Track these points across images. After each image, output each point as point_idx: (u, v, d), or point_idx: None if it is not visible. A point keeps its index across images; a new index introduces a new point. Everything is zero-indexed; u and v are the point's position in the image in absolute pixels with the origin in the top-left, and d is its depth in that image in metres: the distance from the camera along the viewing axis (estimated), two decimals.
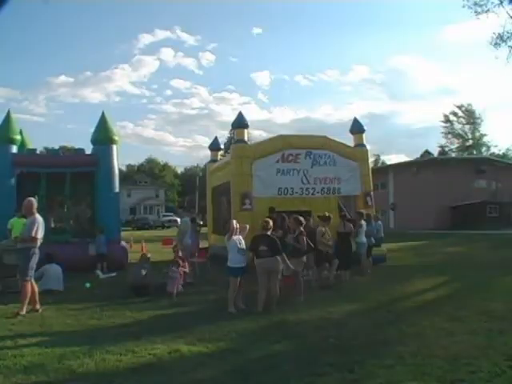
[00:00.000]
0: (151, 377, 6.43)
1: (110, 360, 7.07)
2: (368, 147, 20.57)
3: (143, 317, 10.22)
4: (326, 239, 13.70)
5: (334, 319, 9.81)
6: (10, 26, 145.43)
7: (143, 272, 12.92)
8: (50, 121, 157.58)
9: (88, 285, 12.57)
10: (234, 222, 11.53)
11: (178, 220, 15.16)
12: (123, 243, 18.84)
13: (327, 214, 14.41)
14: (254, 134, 53.90)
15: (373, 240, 16.94)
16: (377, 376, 6.35)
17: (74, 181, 18.93)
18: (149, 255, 14.16)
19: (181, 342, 7.98)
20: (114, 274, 16.34)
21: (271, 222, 11.34)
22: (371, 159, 22.30)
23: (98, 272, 16.37)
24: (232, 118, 19.97)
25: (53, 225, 19.97)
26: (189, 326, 9.21)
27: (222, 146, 28.53)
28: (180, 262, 13.43)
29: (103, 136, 19.43)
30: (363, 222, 16.15)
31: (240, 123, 19.26)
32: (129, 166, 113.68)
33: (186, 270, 13.56)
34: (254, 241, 11.06)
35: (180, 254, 13.84)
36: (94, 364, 6.92)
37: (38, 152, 21.01)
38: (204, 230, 22.89)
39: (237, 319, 9.83)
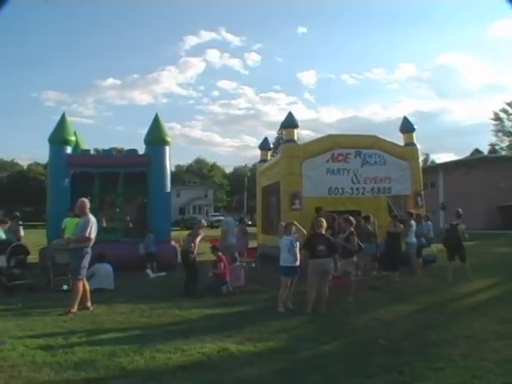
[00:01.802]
0: (200, 375, 6.44)
1: (160, 358, 7.13)
2: (418, 146, 20.31)
3: (192, 316, 10.27)
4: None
5: (383, 320, 9.72)
6: (58, 30, 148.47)
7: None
8: (99, 123, 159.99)
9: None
10: (284, 223, 11.51)
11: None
12: (173, 243, 18.96)
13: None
14: (301, 134, 53.88)
15: (423, 240, 16.76)
16: (426, 378, 6.28)
17: (126, 181, 19.14)
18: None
19: (229, 341, 8.01)
20: (163, 274, 16.50)
21: (325, 222, 11.29)
22: (420, 158, 21.95)
23: (148, 271, 16.52)
24: (279, 118, 20.14)
25: (104, 224, 20.22)
26: (238, 325, 9.23)
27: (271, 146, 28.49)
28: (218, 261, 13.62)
29: (156, 137, 19.61)
30: (413, 222, 15.99)
31: (290, 123, 19.25)
32: (177, 167, 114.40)
33: (221, 270, 13.58)
34: (311, 240, 10.95)
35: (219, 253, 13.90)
36: (144, 362, 6.98)
37: (91, 153, 21.33)
38: (253, 229, 22.96)
39: (286, 319, 9.83)
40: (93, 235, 10.56)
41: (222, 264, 13.54)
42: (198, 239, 13.14)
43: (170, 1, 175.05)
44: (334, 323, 9.53)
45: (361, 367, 6.71)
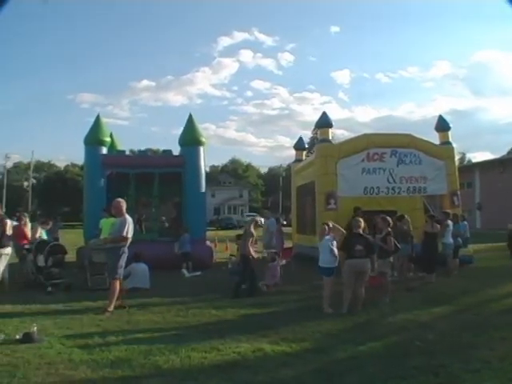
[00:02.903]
0: (235, 375, 6.45)
1: (195, 357, 7.15)
2: (453, 145, 20.09)
3: (228, 315, 10.29)
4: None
5: (419, 321, 9.64)
6: (92, 32, 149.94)
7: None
8: (134, 124, 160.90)
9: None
10: (330, 224, 11.45)
11: (262, 220, 15.20)
12: (208, 243, 19.02)
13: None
14: (336, 134, 53.78)
15: (460, 241, 16.60)
16: (462, 380, 6.22)
17: (161, 181, 19.24)
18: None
19: (265, 341, 8.00)
20: (198, 273, 16.55)
21: (363, 222, 11.22)
22: (456, 157, 21.70)
23: (184, 271, 16.58)
24: (313, 117, 20.14)
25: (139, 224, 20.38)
26: (273, 326, 9.21)
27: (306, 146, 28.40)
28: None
29: (190, 138, 19.69)
30: (450, 222, 15.83)
31: (324, 123, 19.21)
32: (212, 167, 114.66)
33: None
34: (348, 240, 10.91)
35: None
36: (180, 361, 7.02)
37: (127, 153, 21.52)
38: (288, 229, 22.93)
39: (321, 319, 9.78)
40: (130, 235, 10.66)
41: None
42: (251, 240, 13.04)
43: (203, 2, 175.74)
44: (369, 324, 9.50)
45: (396, 368, 6.67)
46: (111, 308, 10.38)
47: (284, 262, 14.99)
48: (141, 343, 7.88)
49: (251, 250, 12.70)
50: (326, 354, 7.46)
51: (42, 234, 15.13)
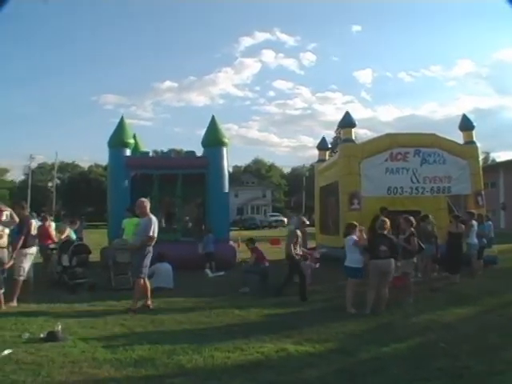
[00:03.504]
0: (259, 375, 6.46)
1: (219, 357, 7.17)
2: (477, 144, 19.93)
3: (251, 315, 10.31)
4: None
5: (443, 322, 9.58)
6: (114, 33, 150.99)
7: None
8: (157, 125, 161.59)
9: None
10: (358, 225, 11.39)
11: (285, 220, 14.90)
12: (231, 243, 19.04)
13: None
14: (358, 133, 53.73)
15: (484, 241, 16.46)
16: (487, 382, 6.20)
17: (185, 182, 19.30)
18: None
19: (288, 342, 8.00)
20: (222, 273, 16.58)
21: (389, 222, 11.15)
22: (480, 157, 21.52)
23: (207, 271, 16.62)
24: (336, 117, 20.10)
25: (163, 225, 20.45)
26: (296, 326, 9.21)
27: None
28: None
29: (213, 139, 19.70)
30: (474, 223, 15.70)
31: (347, 122, 19.21)
32: (235, 167, 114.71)
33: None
34: (373, 241, 10.88)
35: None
36: (203, 360, 7.04)
37: (150, 155, 21.62)
38: (311, 229, 22.86)
39: (344, 320, 9.76)
40: (155, 234, 10.72)
41: (255, 256, 14.08)
42: (296, 241, 12.94)
43: (224, 3, 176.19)
44: (393, 324, 9.44)
45: (421, 370, 6.64)
46: (135, 307, 10.45)
47: (317, 265, 14.88)
48: (164, 342, 7.91)
49: (295, 250, 12.58)
50: (350, 354, 7.44)
51: (70, 233, 15.31)
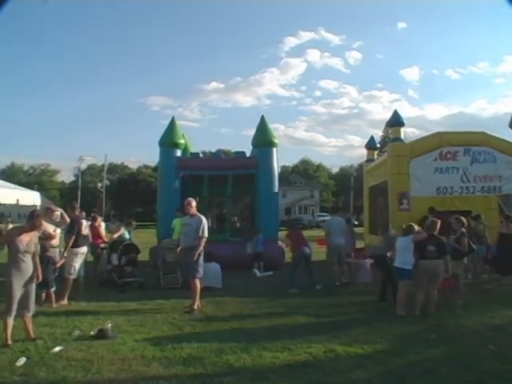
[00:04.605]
0: (307, 375, 6.43)
1: (267, 356, 7.17)
2: None
3: (299, 315, 10.27)
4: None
5: (493, 324, 9.40)
6: (161, 36, 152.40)
7: None
8: (204, 126, 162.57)
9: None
10: (416, 226, 11.23)
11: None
12: (280, 243, 19.03)
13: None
14: (406, 132, 53.13)
15: None
16: None
17: (234, 182, 19.41)
18: None
19: (336, 343, 7.94)
20: (270, 273, 16.59)
21: (438, 222, 10.99)
22: None
23: (255, 271, 16.66)
24: (383, 116, 19.96)
25: (211, 225, 20.55)
26: (344, 327, 9.15)
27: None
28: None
29: (263, 139, 19.78)
30: None
31: (396, 121, 19.03)
32: (283, 167, 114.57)
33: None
34: (421, 241, 10.66)
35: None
36: (251, 360, 7.05)
37: (200, 156, 21.78)
38: (360, 230, 22.73)
39: (393, 321, 9.67)
40: (206, 234, 10.79)
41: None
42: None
43: (268, 3, 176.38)
44: (442, 326, 9.27)
45: (469, 373, 6.52)
46: (195, 306, 10.52)
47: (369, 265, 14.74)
48: (213, 341, 7.95)
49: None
50: (399, 356, 7.38)
51: (124, 233, 15.61)
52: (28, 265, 7.74)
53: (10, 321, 7.53)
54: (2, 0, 3.35)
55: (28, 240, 7.78)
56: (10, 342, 7.50)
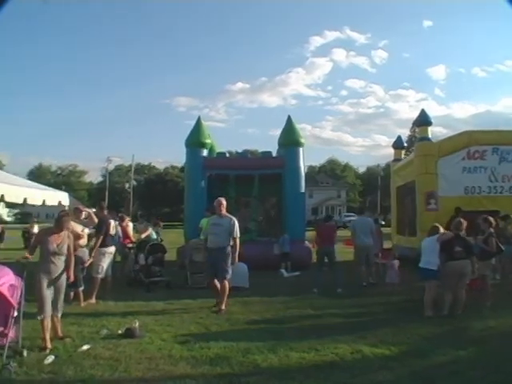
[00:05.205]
0: (333, 376, 6.41)
1: (293, 357, 7.17)
2: None
3: (326, 315, 10.27)
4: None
5: None
6: (187, 38, 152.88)
7: None
8: (230, 126, 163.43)
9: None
10: (440, 227, 11.14)
11: None
12: (307, 243, 18.99)
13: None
14: (433, 131, 52.44)
15: None
16: None
17: (260, 182, 19.46)
18: None
19: (363, 343, 7.92)
20: (297, 273, 16.56)
21: (465, 223, 10.90)
22: None
23: (282, 271, 16.65)
24: (409, 115, 19.86)
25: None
26: (371, 327, 9.12)
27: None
28: None
29: (290, 139, 19.79)
30: None
31: (423, 120, 18.94)
32: (309, 167, 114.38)
33: None
34: (448, 241, 10.59)
35: None
36: (278, 360, 7.05)
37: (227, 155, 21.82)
38: (387, 230, 22.62)
39: (420, 322, 9.62)
40: (238, 235, 10.84)
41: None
42: None
43: (293, 3, 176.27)
44: (470, 328, 9.21)
45: (497, 375, 6.48)
46: (223, 306, 10.57)
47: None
48: (240, 341, 7.97)
49: None
50: (426, 357, 7.33)
51: (152, 233, 15.77)
52: (57, 266, 7.76)
53: (46, 322, 7.54)
54: (2, 0, 3.37)
55: (59, 241, 7.80)
56: (49, 345, 7.46)
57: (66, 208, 12.38)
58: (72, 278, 8.14)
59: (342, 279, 13.49)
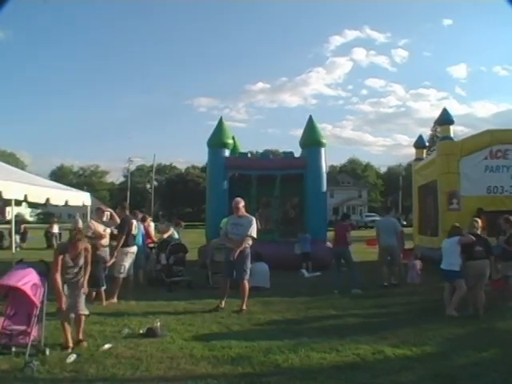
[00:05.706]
0: (354, 376, 6.39)
1: (314, 357, 7.16)
2: None
3: (347, 316, 10.24)
4: None
5: None
6: (208, 39, 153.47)
7: None
8: (251, 126, 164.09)
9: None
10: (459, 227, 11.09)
11: None
12: (328, 243, 18.97)
13: None
14: (455, 130, 52.00)
15: None
16: None
17: (282, 182, 19.48)
18: None
19: (384, 344, 7.88)
20: (318, 274, 16.53)
21: (480, 222, 10.82)
22: None
23: (303, 271, 16.63)
24: (430, 114, 19.77)
25: (259, 225, 20.61)
26: (392, 328, 9.08)
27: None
28: None
29: (312, 139, 19.80)
30: None
31: (445, 119, 18.82)
32: (330, 167, 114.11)
33: None
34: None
35: None
36: (299, 360, 7.04)
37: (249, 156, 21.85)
38: (408, 230, 22.51)
39: (441, 323, 9.53)
40: (255, 235, 10.84)
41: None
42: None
43: (313, 3, 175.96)
44: (492, 329, 9.12)
45: None
46: (244, 307, 10.60)
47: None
48: (261, 341, 7.96)
49: None
50: (448, 358, 7.28)
51: (173, 233, 15.91)
52: (75, 274, 7.79)
53: (66, 324, 7.57)
54: (2, 0, 3.39)
55: (75, 255, 7.79)
56: (70, 344, 7.47)
57: (88, 208, 12.47)
58: (86, 291, 8.10)
59: (359, 280, 13.49)
